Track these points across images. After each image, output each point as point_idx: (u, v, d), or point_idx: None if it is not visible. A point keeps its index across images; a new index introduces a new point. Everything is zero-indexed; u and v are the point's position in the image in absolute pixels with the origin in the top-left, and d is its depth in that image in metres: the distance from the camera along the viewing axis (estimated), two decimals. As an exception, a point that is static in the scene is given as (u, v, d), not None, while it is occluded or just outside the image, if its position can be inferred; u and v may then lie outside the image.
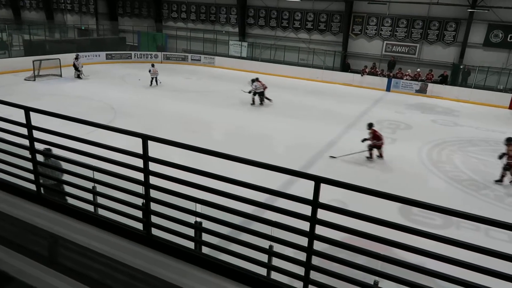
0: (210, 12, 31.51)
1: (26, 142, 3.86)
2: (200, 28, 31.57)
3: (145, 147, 3.21)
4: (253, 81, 18.17)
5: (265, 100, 18.23)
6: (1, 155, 4.17)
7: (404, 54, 25.37)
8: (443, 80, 23.02)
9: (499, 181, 11.01)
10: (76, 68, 21.80)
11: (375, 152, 12.06)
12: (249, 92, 18.13)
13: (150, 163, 3.25)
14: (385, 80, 24.20)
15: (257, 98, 18.12)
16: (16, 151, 4.02)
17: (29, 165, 3.92)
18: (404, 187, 10.18)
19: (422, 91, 23.26)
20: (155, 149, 3.33)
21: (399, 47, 25.45)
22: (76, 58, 21.92)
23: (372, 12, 25.62)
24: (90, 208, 3.87)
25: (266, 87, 18.17)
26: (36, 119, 3.69)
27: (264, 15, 29.35)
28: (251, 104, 18.14)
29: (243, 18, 29.97)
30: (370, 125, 12.12)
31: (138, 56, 28.96)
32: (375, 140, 11.78)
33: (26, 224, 3.50)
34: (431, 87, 23.07)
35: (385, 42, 25.77)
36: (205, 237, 3.44)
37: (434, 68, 23.83)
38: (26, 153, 3.94)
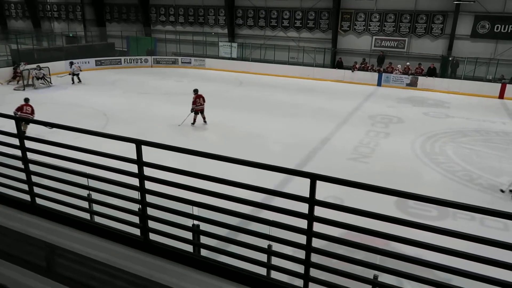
0: (198, 14, 31.44)
1: (18, 152, 3.82)
2: (189, 31, 31.50)
3: (139, 152, 3.19)
4: (71, 63, 22.45)
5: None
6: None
7: (393, 48, 25.53)
8: (431, 73, 23.19)
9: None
10: (38, 78, 20.87)
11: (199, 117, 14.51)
12: (69, 74, 21.88)
13: (145, 168, 3.24)
14: (376, 75, 24.33)
15: (75, 78, 21.95)
16: (8, 161, 3.98)
17: (22, 175, 3.88)
18: (399, 180, 10.23)
19: (412, 84, 23.42)
20: (149, 154, 3.31)
21: (388, 42, 25.60)
22: (40, 69, 21.12)
23: (359, 8, 25.75)
24: (86, 216, 3.84)
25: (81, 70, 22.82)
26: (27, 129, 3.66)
27: (252, 15, 29.36)
28: (72, 83, 21.80)
29: (232, 19, 29.96)
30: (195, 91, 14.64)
31: (128, 61, 28.82)
32: (194, 105, 14.46)
33: (21, 234, 3.46)
34: (421, 80, 23.24)
35: (374, 37, 25.90)
36: (203, 239, 3.43)
37: (423, 61, 24.01)
38: (19, 163, 3.90)
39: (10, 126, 3.77)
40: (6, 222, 3.63)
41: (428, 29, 24.34)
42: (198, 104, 14.61)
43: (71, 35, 33.81)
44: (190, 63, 29.47)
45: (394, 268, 2.62)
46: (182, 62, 29.60)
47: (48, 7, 37.83)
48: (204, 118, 14.89)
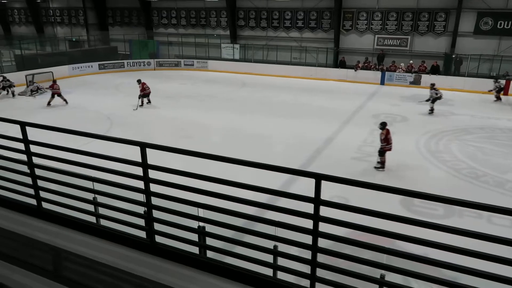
0: (200, 17, 31.51)
1: (24, 157, 3.84)
2: (191, 33, 31.57)
3: (143, 155, 3.20)
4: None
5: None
6: (-1, 171, 4.16)
7: (396, 46, 25.46)
8: (434, 71, 23.10)
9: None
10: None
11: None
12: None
13: (149, 170, 3.25)
14: (379, 74, 24.26)
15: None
16: (14, 166, 4.00)
17: (28, 180, 3.90)
18: (404, 179, 10.20)
19: (416, 82, 23.32)
20: (153, 157, 3.32)
21: (390, 40, 25.53)
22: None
23: (361, 7, 25.71)
24: (92, 219, 3.86)
25: None
26: (33, 133, 3.69)
27: (254, 16, 29.38)
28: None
29: (234, 21, 29.99)
30: None
31: (131, 65, 28.92)
32: (143, 92, 17.06)
33: (28, 239, 3.48)
34: (425, 78, 23.13)
35: (376, 36, 25.85)
36: (209, 241, 3.44)
37: (426, 59, 23.92)
38: (25, 168, 3.92)
39: (14, 131, 3.80)
40: (13, 227, 3.65)
41: (431, 27, 24.26)
42: (146, 89, 17.70)
43: (74, 39, 34.02)
44: (193, 65, 29.54)
45: (401, 267, 2.61)
46: (184, 65, 29.67)
47: (51, 12, 38.06)
48: (149, 100, 18.08)
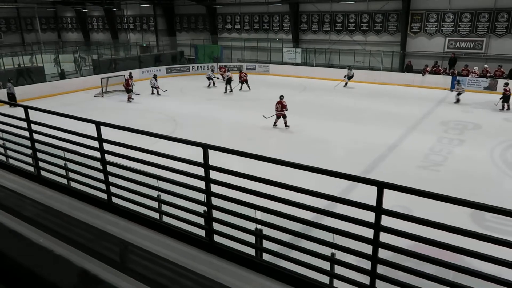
0: (263, 21, 31.89)
1: (97, 154, 4.14)
2: (254, 38, 32.05)
3: (205, 156, 3.30)
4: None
5: None
6: (76, 167, 4.53)
7: (469, 50, 23.83)
8: (515, 75, 21.28)
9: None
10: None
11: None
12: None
13: (210, 171, 3.34)
14: (449, 78, 22.86)
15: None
16: (88, 163, 4.33)
17: (100, 176, 4.20)
18: (475, 191, 9.50)
19: (491, 88, 21.65)
20: (214, 158, 3.42)
21: (463, 43, 23.96)
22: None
23: (431, 8, 24.44)
24: (156, 215, 4.05)
25: None
26: (105, 132, 3.96)
27: (317, 20, 29.13)
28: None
29: (296, 25, 29.96)
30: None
31: (196, 69, 30.01)
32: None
33: (100, 231, 3.74)
34: (502, 83, 21.38)
35: (447, 38, 24.40)
36: (266, 244, 3.46)
37: (504, 62, 22.10)
38: (97, 164, 4.23)
39: (89, 129, 4.10)
40: (87, 219, 3.95)
41: (510, 28, 22.40)
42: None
43: (144, 44, 36.06)
44: (255, 69, 29.94)
45: (469, 285, 2.43)
46: (246, 68, 30.16)
47: (125, 19, 40.71)
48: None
